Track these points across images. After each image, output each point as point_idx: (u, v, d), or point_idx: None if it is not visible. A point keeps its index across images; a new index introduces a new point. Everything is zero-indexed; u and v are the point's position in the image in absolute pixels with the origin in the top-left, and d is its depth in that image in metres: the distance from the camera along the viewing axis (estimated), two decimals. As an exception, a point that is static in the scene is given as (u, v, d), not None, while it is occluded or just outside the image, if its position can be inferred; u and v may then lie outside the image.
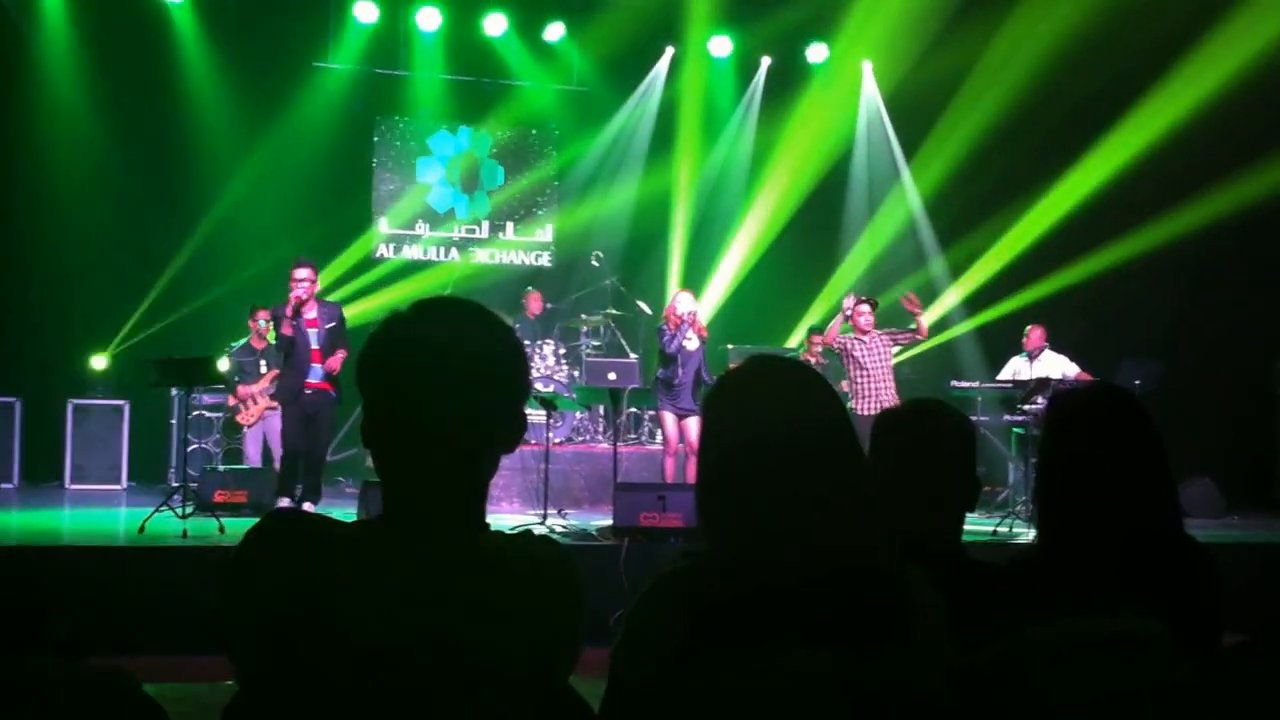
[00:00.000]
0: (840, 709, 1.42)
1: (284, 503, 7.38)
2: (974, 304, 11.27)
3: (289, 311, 7.33)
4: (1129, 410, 2.05)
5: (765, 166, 11.84)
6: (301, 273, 7.39)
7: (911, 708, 1.45)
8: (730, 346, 10.26)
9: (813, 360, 9.58)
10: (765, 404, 1.56)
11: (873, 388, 8.33)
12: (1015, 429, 8.86)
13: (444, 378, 1.39)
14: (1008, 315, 10.34)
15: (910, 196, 11.99)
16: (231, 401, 9.54)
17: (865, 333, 8.46)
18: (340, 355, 7.50)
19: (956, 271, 11.52)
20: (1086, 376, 8.76)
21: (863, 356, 8.38)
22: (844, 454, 1.55)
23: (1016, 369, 9.16)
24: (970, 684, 1.49)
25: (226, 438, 9.91)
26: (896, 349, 8.63)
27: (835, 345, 8.53)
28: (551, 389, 9.35)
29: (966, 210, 11.22)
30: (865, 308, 8.55)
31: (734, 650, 1.43)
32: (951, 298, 11.47)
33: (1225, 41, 9.51)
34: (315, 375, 7.48)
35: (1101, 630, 1.51)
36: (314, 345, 7.48)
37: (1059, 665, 1.47)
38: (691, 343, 8.18)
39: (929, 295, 11.61)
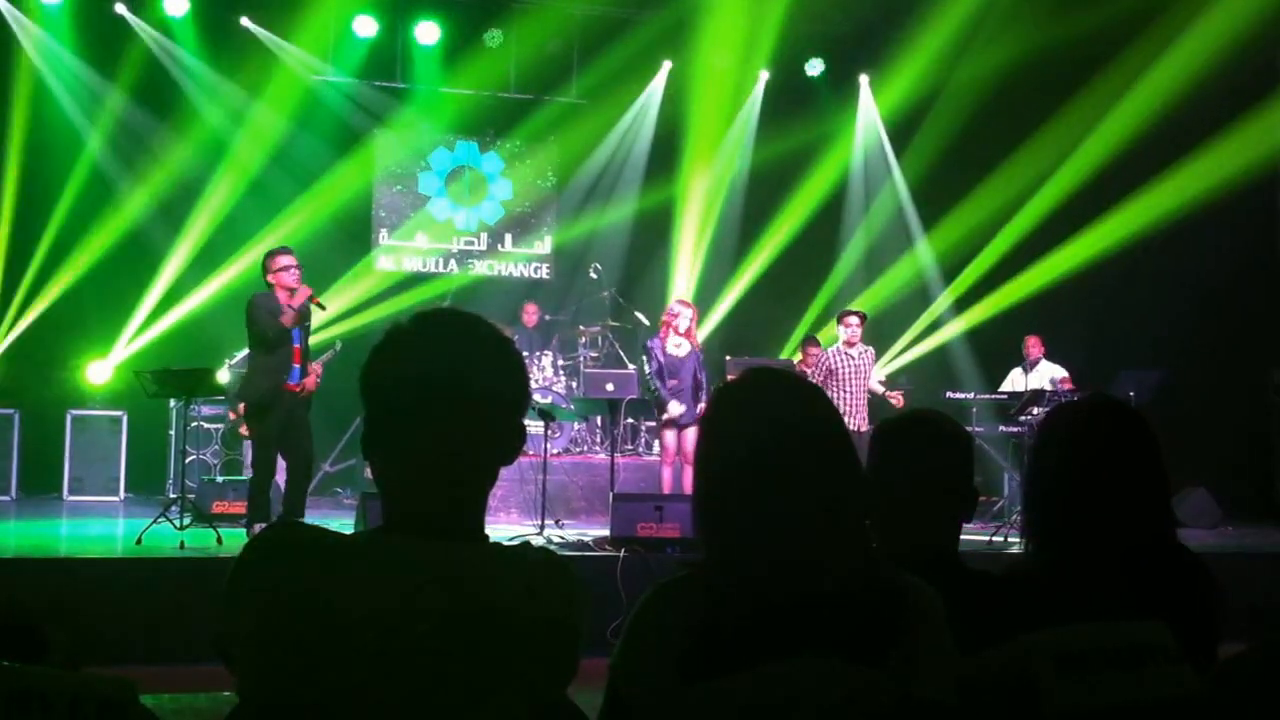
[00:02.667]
0: (843, 715, 1.43)
1: (258, 530, 6.60)
2: (967, 312, 11.30)
3: (297, 302, 6.58)
4: (1124, 421, 2.05)
5: (763, 179, 11.88)
6: (289, 259, 6.70)
7: (915, 715, 1.45)
8: (728, 358, 10.28)
9: (808, 371, 9.60)
10: (762, 415, 1.57)
11: (854, 400, 8.40)
12: (1011, 439, 8.88)
13: (444, 389, 1.40)
14: (1002, 322, 10.37)
15: (906, 207, 12.03)
16: (232, 415, 9.55)
17: (851, 345, 8.51)
18: (315, 372, 6.91)
19: (949, 278, 11.56)
20: (1069, 384, 8.82)
21: (843, 370, 8.43)
22: (841, 464, 1.56)
23: (1015, 380, 9.21)
24: (974, 691, 1.50)
25: (225, 449, 9.91)
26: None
27: (818, 367, 8.56)
28: (550, 400, 9.36)
29: (960, 218, 11.26)
30: (854, 319, 8.57)
31: (734, 660, 1.43)
32: (944, 304, 11.50)
33: (1207, 26, 9.53)
34: (294, 377, 6.72)
35: (1108, 636, 1.51)
36: (295, 343, 6.72)
37: (1064, 671, 1.47)
38: (681, 349, 8.18)
39: (925, 302, 11.65)
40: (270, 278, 6.70)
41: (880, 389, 8.79)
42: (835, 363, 8.50)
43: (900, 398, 8.74)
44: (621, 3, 10.95)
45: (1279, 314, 10.20)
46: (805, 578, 1.48)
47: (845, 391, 8.42)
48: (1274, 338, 10.20)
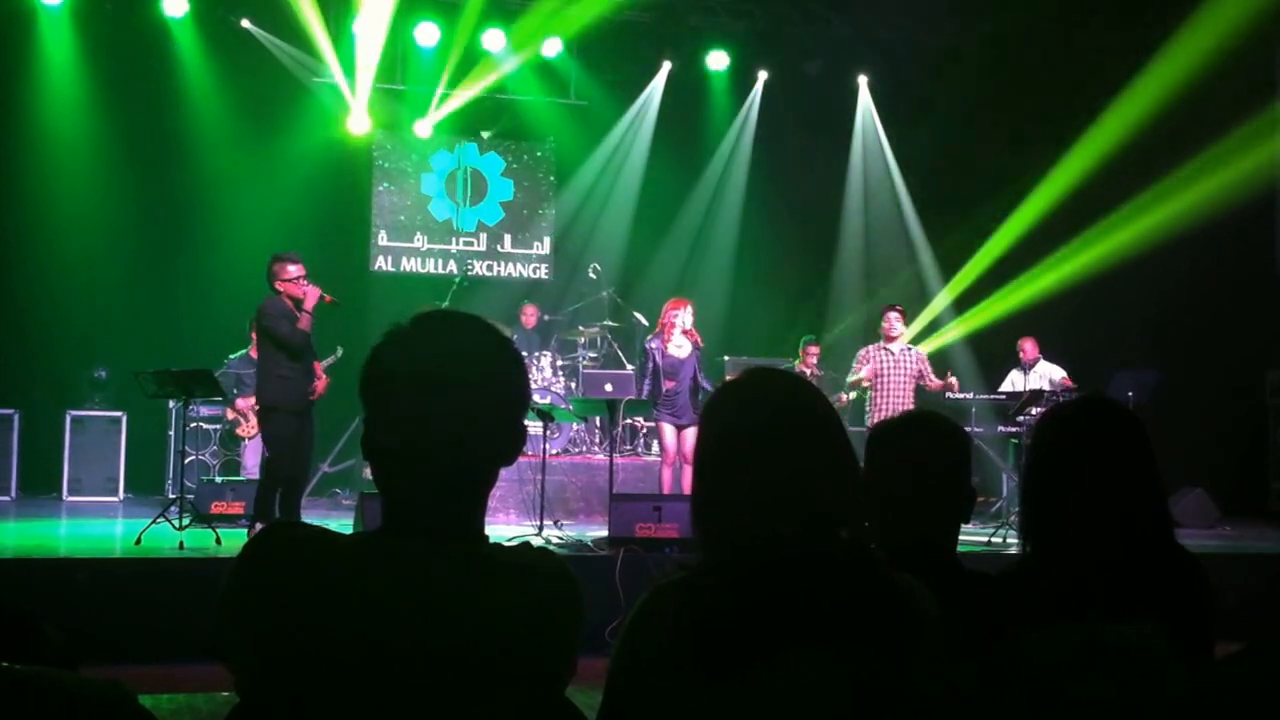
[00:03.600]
0: (839, 715, 1.44)
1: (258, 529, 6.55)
2: (966, 314, 11.31)
3: (309, 305, 6.61)
4: (1116, 421, 2.06)
5: (762, 177, 11.90)
6: (298, 268, 6.74)
7: (911, 712, 1.46)
8: (727, 358, 10.30)
9: (808, 372, 9.61)
10: (760, 414, 1.58)
11: (891, 401, 8.12)
12: (1011, 440, 8.89)
13: (445, 391, 1.40)
14: (1000, 323, 10.38)
15: (905, 208, 12.05)
16: (230, 415, 9.55)
17: (892, 339, 8.27)
18: (323, 378, 6.93)
19: (949, 280, 11.58)
20: (1070, 383, 8.81)
21: (884, 365, 8.21)
22: (839, 463, 1.57)
23: (1014, 381, 9.21)
24: (969, 690, 1.50)
25: (224, 449, 9.92)
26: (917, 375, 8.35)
27: (863, 377, 8.24)
28: (548, 400, 9.37)
29: (958, 220, 11.28)
30: (894, 315, 8.34)
31: (731, 660, 1.44)
32: (943, 304, 11.52)
33: (1201, 32, 9.53)
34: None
35: (1102, 635, 1.52)
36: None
37: (1059, 671, 1.47)
38: (683, 350, 8.15)
39: (921, 304, 11.67)
40: (279, 284, 6.71)
41: (936, 382, 8.33)
42: (877, 358, 8.25)
43: (954, 385, 8.34)
44: (621, 3, 10.96)
45: (1275, 316, 10.22)
46: (801, 575, 1.48)
47: (886, 389, 8.16)
48: (1270, 340, 10.23)
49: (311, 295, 6.67)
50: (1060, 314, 10.29)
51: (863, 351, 8.42)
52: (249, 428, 9.28)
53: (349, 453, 10.08)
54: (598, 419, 9.98)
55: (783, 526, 1.51)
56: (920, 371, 8.30)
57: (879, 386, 8.22)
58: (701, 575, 1.53)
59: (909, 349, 8.39)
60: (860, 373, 8.27)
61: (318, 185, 10.82)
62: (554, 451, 9.02)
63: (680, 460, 8.14)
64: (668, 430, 8.16)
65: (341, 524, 7.25)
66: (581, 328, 10.58)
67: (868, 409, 8.33)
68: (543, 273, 12.06)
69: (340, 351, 8.78)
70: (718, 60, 11.63)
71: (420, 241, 11.70)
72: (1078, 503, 1.98)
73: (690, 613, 1.47)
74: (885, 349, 8.29)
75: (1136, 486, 2.00)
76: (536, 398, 9.17)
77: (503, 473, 1.49)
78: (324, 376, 6.99)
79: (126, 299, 10.22)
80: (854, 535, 1.56)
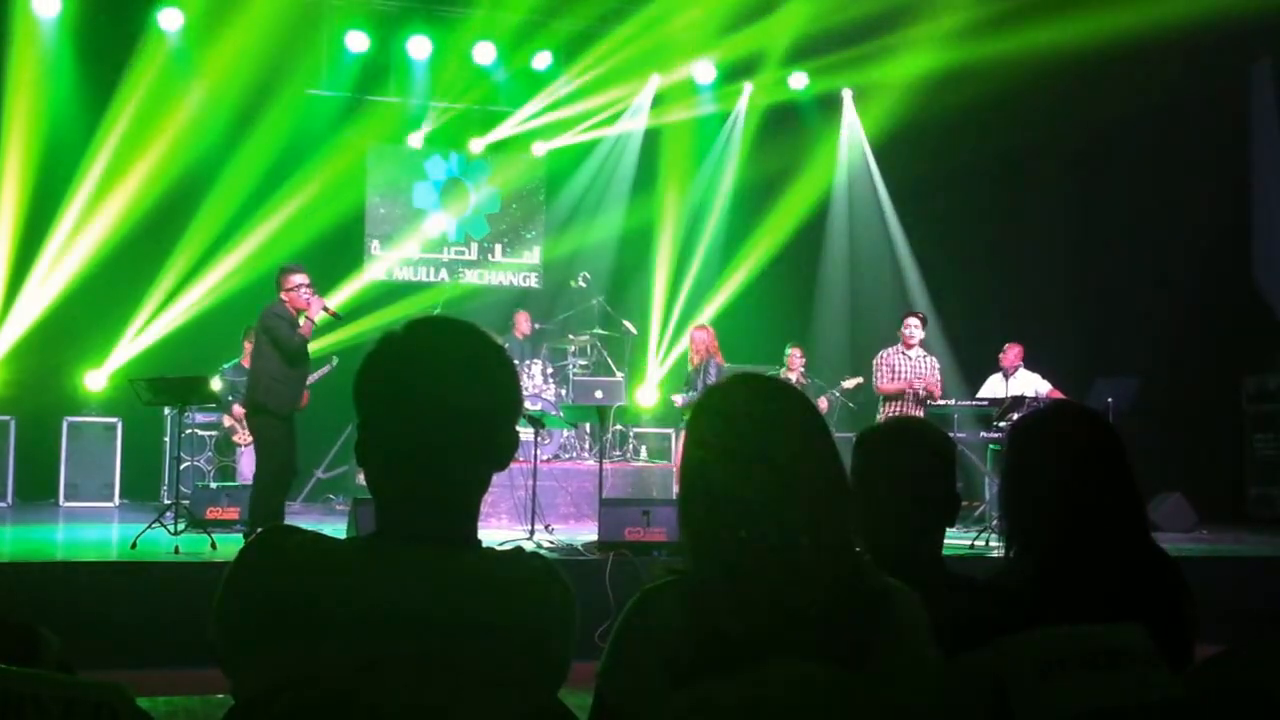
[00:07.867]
0: (826, 718, 1.45)
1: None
2: (953, 324, 11.42)
3: (314, 315, 6.75)
4: (1088, 426, 2.10)
5: (749, 189, 12.00)
6: (303, 278, 6.87)
7: (896, 716, 1.49)
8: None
9: (794, 377, 9.71)
10: (744, 419, 1.58)
11: (906, 405, 8.10)
12: (992, 445, 8.97)
13: (438, 397, 1.41)
14: (985, 334, 10.48)
15: (890, 219, 12.16)
16: (227, 422, 9.62)
17: (910, 347, 8.20)
18: (305, 390, 7.04)
19: (935, 292, 11.69)
20: (1058, 394, 8.86)
21: (901, 371, 8.17)
22: (824, 467, 1.58)
23: (993, 387, 9.28)
24: (955, 694, 1.54)
25: (219, 455, 9.98)
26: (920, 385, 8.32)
27: (880, 366, 8.22)
28: (539, 407, 9.46)
29: (947, 233, 11.39)
30: (914, 320, 8.29)
31: (719, 665, 1.45)
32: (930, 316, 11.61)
33: None
34: None
35: (1086, 638, 1.54)
36: None
37: (1043, 674, 1.49)
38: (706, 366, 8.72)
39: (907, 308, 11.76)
40: (283, 295, 6.89)
41: (938, 392, 8.24)
42: (894, 362, 8.19)
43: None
44: (610, 17, 11.07)
45: (1252, 323, 10.35)
46: (788, 579, 1.50)
47: (901, 393, 8.13)
48: (1247, 347, 10.35)
49: (315, 305, 6.85)
50: (1043, 322, 10.39)
51: (881, 356, 8.38)
52: (245, 435, 9.34)
53: (343, 458, 10.15)
54: (588, 425, 10.06)
55: (769, 530, 1.51)
56: (934, 373, 8.25)
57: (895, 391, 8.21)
58: (689, 579, 1.55)
59: (925, 355, 8.37)
60: (897, 383, 8.20)
61: (312, 196, 10.89)
62: (545, 457, 9.10)
63: None
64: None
65: (335, 529, 7.32)
66: (571, 336, 10.66)
67: (880, 413, 8.40)
68: (533, 281, 12.14)
69: (335, 361, 8.88)
70: (704, 72, 11.74)
71: (412, 251, 11.79)
72: (1053, 508, 2.02)
73: (678, 617, 1.48)
74: (903, 354, 8.26)
75: (1111, 491, 2.03)
76: (528, 404, 9.25)
77: (494, 478, 1.52)
78: (306, 390, 7.10)
79: (123, 306, 10.27)
80: (840, 539, 1.57)
